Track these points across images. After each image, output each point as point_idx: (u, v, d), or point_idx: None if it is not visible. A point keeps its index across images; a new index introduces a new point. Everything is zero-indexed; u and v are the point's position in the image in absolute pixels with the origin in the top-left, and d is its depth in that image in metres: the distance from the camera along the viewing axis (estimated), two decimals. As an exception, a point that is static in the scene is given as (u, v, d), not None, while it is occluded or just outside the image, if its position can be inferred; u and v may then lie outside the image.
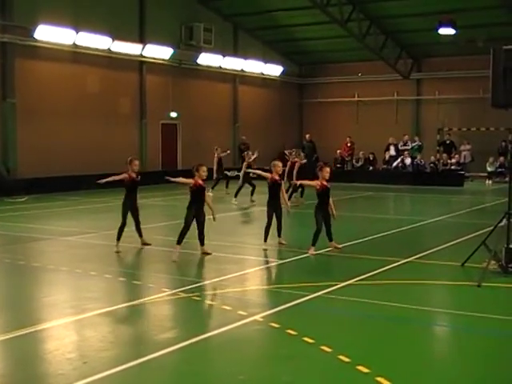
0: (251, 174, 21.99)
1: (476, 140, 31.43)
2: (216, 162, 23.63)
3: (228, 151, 24.72)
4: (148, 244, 12.87)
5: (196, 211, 11.46)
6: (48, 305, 8.74)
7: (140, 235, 12.87)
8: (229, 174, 24.93)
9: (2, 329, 7.53)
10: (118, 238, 12.48)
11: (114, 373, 6.12)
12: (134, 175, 12.73)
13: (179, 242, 11.45)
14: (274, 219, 12.55)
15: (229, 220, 17.48)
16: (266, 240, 12.52)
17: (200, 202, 11.53)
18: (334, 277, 10.13)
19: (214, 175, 23.25)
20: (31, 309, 8.63)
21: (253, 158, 22.10)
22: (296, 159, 20.91)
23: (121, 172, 12.85)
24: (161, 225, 16.35)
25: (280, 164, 12.79)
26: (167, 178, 11.76)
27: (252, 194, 21.01)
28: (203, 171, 11.59)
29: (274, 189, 12.58)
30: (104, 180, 12.80)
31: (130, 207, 12.65)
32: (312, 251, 11.93)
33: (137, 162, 12.87)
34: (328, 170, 12.15)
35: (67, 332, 7.57)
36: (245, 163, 21.76)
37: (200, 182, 11.51)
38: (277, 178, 12.62)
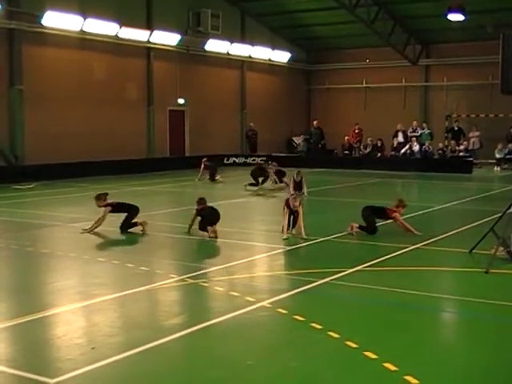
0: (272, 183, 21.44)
1: (484, 126, 31.27)
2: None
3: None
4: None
5: None
6: (56, 290, 8.76)
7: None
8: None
9: (10, 314, 7.57)
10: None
11: (122, 358, 6.14)
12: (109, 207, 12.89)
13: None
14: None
15: (237, 206, 17.47)
16: (288, 229, 12.26)
17: None
18: (342, 263, 10.10)
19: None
20: (39, 294, 8.66)
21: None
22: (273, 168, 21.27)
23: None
24: (167, 211, 16.35)
25: (299, 200, 12.38)
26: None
27: (253, 184, 20.86)
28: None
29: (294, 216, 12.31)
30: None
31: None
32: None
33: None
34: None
35: (75, 317, 7.60)
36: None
37: None
38: (295, 209, 12.18)
